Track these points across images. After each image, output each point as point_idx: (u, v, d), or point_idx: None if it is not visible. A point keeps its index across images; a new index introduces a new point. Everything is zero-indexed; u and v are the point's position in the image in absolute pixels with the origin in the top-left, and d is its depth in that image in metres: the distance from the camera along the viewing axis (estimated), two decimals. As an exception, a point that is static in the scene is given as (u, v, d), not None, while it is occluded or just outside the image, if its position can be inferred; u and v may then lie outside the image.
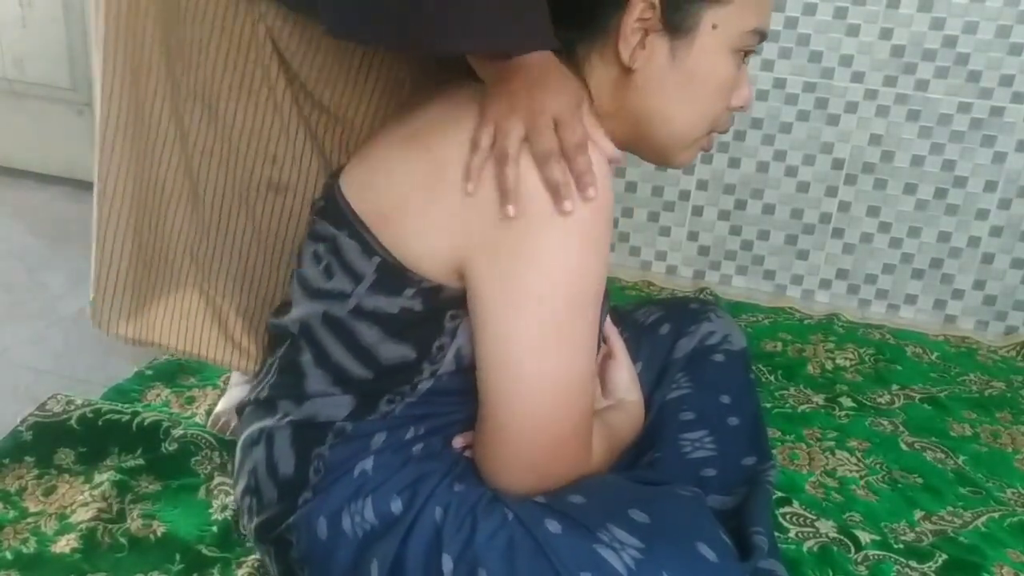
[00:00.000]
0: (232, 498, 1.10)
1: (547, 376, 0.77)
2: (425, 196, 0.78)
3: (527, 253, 0.75)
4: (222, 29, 0.93)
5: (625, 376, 0.99)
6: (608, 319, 1.02)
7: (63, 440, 1.18)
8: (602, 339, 1.01)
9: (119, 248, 0.95)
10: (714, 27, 0.80)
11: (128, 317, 0.99)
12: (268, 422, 0.86)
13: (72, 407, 1.22)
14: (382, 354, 0.81)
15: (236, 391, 1.24)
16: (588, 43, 0.83)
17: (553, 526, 0.74)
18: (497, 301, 0.76)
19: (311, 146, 1.01)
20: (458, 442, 0.85)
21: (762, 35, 0.82)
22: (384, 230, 0.80)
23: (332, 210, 0.85)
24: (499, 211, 0.74)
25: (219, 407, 1.25)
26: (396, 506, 0.80)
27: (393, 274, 0.79)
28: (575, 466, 0.82)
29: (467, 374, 0.81)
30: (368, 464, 0.81)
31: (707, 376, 1.02)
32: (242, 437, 0.89)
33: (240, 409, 0.94)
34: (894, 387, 1.46)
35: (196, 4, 0.92)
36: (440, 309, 0.80)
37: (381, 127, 0.91)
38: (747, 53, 0.83)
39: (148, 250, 0.98)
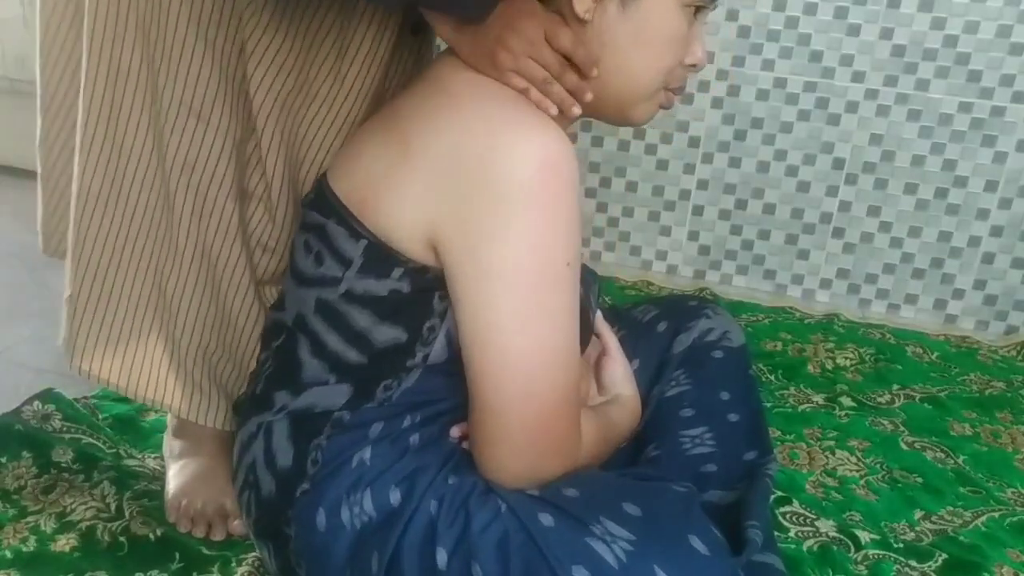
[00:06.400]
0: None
1: (524, 351, 0.78)
2: (396, 174, 0.80)
3: (494, 229, 0.76)
4: (206, 39, 0.90)
5: (619, 371, 0.99)
6: (601, 316, 1.03)
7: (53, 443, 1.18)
8: (595, 335, 1.02)
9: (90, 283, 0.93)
10: None
11: (91, 355, 0.95)
12: (265, 416, 0.86)
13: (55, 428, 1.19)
14: (375, 337, 0.82)
15: (176, 467, 1.09)
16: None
17: (546, 519, 0.75)
18: (468, 276, 0.78)
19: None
20: (455, 432, 0.85)
21: None
22: (365, 213, 0.82)
23: (320, 200, 0.87)
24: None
25: (170, 490, 1.07)
26: (395, 497, 0.80)
27: (380, 256, 0.81)
28: (565, 447, 0.82)
29: (459, 355, 0.82)
30: (366, 454, 0.82)
31: (706, 373, 1.03)
32: (239, 433, 0.89)
33: (237, 407, 0.94)
34: (894, 387, 1.46)
35: (179, 11, 0.88)
36: (428, 290, 0.81)
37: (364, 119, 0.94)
38: (698, 9, 0.85)
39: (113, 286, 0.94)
